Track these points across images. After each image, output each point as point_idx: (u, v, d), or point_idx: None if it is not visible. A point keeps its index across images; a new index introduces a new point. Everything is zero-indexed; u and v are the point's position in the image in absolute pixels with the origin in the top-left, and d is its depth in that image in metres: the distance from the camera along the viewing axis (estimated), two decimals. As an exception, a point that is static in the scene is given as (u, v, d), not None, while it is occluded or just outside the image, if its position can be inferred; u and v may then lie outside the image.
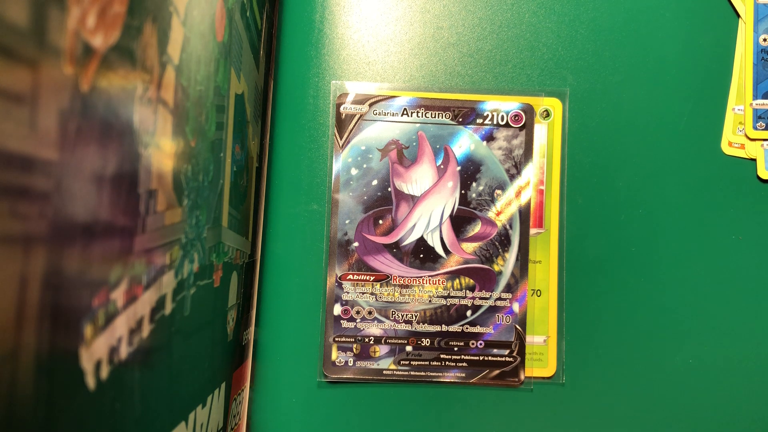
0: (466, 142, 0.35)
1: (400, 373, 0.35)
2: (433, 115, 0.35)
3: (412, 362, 0.35)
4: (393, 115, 0.35)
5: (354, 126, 0.35)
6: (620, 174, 0.36)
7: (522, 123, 0.36)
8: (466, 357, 0.35)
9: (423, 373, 0.35)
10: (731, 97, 0.36)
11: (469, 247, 0.35)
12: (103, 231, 0.16)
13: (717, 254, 0.36)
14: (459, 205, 0.35)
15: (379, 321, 0.35)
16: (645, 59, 0.36)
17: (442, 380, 0.35)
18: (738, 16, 0.36)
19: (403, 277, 0.35)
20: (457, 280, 0.35)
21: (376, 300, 0.35)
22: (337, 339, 0.35)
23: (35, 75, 0.12)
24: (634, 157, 0.36)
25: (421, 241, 0.35)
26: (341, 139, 0.35)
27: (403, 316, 0.35)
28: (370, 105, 0.35)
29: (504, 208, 0.35)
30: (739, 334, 0.35)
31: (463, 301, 0.35)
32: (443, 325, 0.35)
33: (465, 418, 0.35)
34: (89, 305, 0.15)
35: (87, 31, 0.14)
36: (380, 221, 0.35)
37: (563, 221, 0.36)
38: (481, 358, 0.35)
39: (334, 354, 0.35)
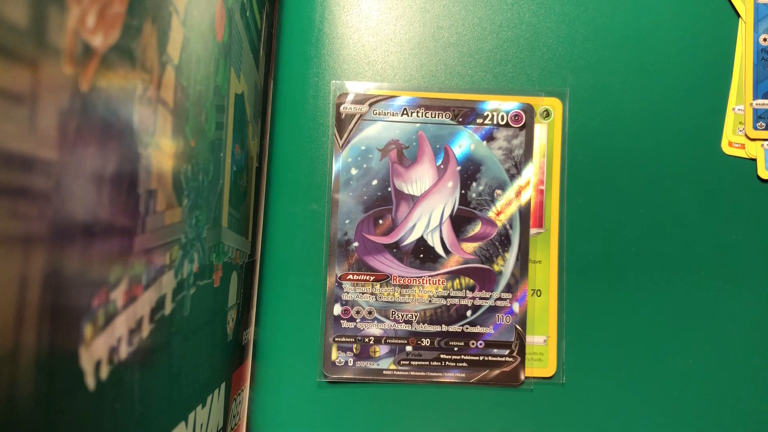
0: (466, 142, 0.35)
1: (400, 373, 0.35)
2: (433, 115, 0.35)
3: (412, 362, 0.35)
4: (393, 115, 0.35)
5: (354, 126, 0.35)
6: (620, 174, 0.36)
7: (522, 123, 0.36)
8: (466, 357, 0.35)
9: (423, 373, 0.35)
10: (731, 97, 0.36)
11: (469, 247, 0.35)
12: (102, 231, 0.16)
13: (717, 254, 0.36)
14: (459, 205, 0.35)
15: (379, 321, 0.35)
16: (645, 59, 0.36)
17: (442, 380, 0.35)
18: (738, 16, 0.36)
19: (403, 277, 0.35)
20: (457, 280, 0.35)
21: (376, 300, 0.35)
22: (337, 339, 0.35)
23: (35, 75, 0.12)
24: (634, 157, 0.36)
25: (421, 241, 0.35)
26: (341, 139, 0.35)
27: (403, 316, 0.35)
28: (370, 105, 0.35)
29: (504, 208, 0.35)
30: (739, 333, 0.35)
31: (463, 301, 0.35)
32: (443, 325, 0.35)
33: (465, 418, 0.35)
34: (89, 305, 0.15)
35: (87, 31, 0.14)
36: (380, 221, 0.35)
37: (563, 221, 0.36)
38: (481, 358, 0.35)
39: (334, 354, 0.35)
